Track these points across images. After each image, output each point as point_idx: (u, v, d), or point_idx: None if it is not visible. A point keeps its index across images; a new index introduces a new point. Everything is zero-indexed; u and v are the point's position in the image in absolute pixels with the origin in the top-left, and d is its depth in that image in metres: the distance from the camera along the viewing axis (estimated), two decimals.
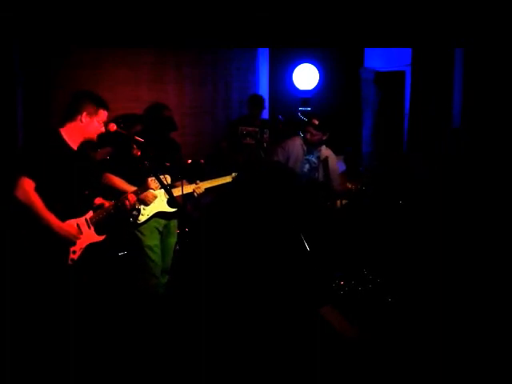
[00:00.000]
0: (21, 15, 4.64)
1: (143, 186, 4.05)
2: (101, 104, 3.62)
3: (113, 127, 3.79)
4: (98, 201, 3.79)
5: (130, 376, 3.76)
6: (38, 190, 3.36)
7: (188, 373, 3.77)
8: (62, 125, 3.56)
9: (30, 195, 3.33)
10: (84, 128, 3.57)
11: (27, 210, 3.34)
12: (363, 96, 8.03)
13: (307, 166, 5.49)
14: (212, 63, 7.11)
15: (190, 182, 4.59)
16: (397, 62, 7.54)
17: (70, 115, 3.55)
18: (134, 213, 4.38)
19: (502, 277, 4.72)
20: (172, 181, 4.48)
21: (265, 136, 6.74)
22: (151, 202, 4.38)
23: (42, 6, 4.62)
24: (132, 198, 3.93)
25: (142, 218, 4.42)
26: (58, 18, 4.71)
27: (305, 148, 5.45)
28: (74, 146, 3.57)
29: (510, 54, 5.63)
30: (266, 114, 7.30)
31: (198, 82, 7.03)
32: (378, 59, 7.84)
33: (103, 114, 3.63)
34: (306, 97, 7.19)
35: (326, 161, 5.38)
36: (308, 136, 5.40)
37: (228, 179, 4.82)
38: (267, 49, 7.39)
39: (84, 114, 3.54)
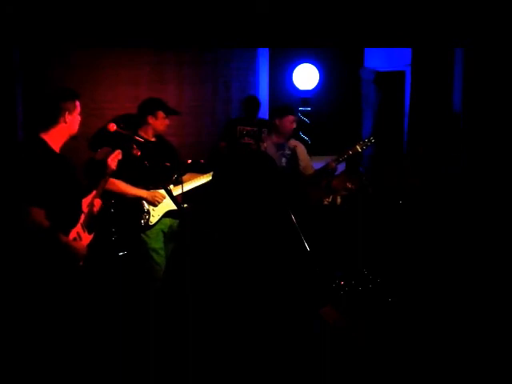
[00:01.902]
0: (21, 15, 4.64)
1: (108, 169, 3.80)
2: (75, 96, 3.50)
3: (113, 127, 3.77)
4: (86, 201, 3.72)
5: (131, 376, 3.76)
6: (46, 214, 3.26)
7: (188, 372, 3.76)
8: (45, 130, 3.41)
9: (43, 225, 3.24)
10: (69, 127, 3.45)
11: (40, 237, 3.25)
12: (363, 96, 8.02)
13: (284, 159, 5.70)
14: (212, 63, 7.09)
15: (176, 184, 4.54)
16: (397, 62, 7.53)
17: (53, 120, 3.41)
18: (144, 216, 4.37)
19: (501, 277, 4.72)
20: (177, 177, 4.48)
21: (263, 135, 6.73)
22: (160, 202, 4.38)
23: (41, 5, 4.62)
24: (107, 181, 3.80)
25: (153, 220, 4.42)
26: (57, 18, 4.71)
27: (275, 143, 5.67)
28: (57, 149, 3.46)
29: (510, 53, 5.62)
30: (265, 114, 7.30)
31: (197, 81, 7.02)
32: (378, 59, 7.84)
33: (78, 105, 3.51)
34: (305, 97, 7.19)
35: (294, 150, 5.65)
36: (294, 125, 5.70)
37: (209, 177, 4.79)
38: (267, 49, 7.38)
39: (66, 114, 3.42)
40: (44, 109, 3.45)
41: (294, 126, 5.69)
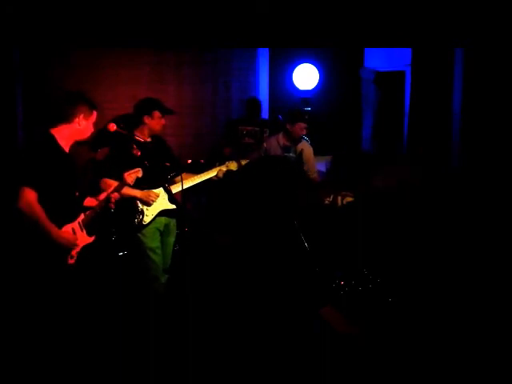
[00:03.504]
0: (21, 15, 4.64)
1: (121, 182, 3.86)
2: (94, 105, 3.59)
3: (113, 127, 3.77)
4: (88, 201, 3.73)
5: (131, 376, 3.76)
6: (39, 199, 3.30)
7: (188, 373, 3.77)
8: (55, 126, 3.47)
9: (33, 207, 3.27)
10: (81, 131, 3.51)
11: (29, 220, 3.28)
12: (363, 96, 8.03)
13: None
14: (212, 63, 7.11)
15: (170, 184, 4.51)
16: (397, 62, 7.54)
17: (66, 117, 3.47)
18: (138, 215, 4.37)
19: (501, 276, 4.71)
20: (172, 177, 4.49)
21: (265, 136, 6.75)
22: (154, 202, 4.38)
23: (41, 5, 4.63)
24: (115, 195, 3.79)
25: (147, 219, 4.41)
26: (57, 18, 4.71)
27: (282, 145, 5.74)
28: (66, 148, 3.51)
29: (510, 54, 5.63)
30: (265, 114, 7.31)
31: (198, 81, 7.03)
32: (378, 59, 7.85)
33: (95, 116, 3.59)
34: (305, 97, 7.19)
35: (300, 153, 5.71)
36: (305, 132, 5.74)
37: (205, 176, 4.76)
38: (267, 49, 7.39)
39: (81, 116, 3.48)
40: (61, 106, 3.51)
41: (304, 132, 5.74)
